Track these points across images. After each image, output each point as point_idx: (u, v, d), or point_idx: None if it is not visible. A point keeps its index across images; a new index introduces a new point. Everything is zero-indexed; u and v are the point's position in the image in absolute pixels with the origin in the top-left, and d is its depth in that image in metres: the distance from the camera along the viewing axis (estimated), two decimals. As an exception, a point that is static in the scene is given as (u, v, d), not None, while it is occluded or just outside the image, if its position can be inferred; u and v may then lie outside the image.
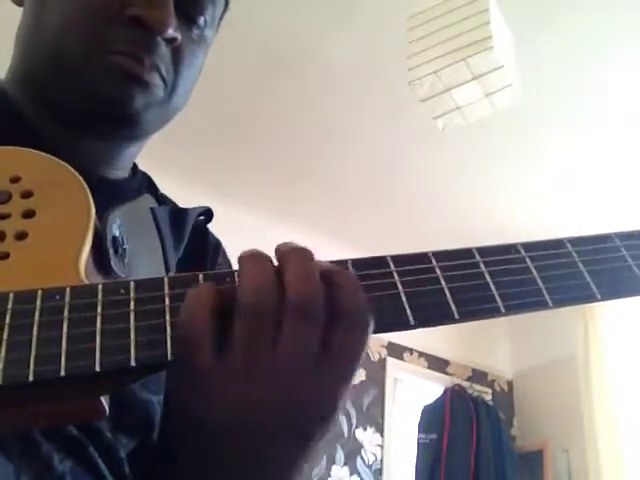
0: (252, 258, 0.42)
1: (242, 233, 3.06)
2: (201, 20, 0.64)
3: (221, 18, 0.71)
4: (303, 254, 0.42)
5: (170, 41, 0.60)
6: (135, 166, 0.71)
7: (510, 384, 4.34)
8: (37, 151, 0.53)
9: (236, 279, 0.42)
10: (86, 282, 0.44)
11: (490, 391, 4.18)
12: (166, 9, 0.59)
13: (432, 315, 0.44)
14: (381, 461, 3.72)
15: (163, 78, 0.60)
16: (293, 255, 0.42)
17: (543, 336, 4.13)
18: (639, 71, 2.69)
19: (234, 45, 2.59)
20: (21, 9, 0.65)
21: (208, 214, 0.74)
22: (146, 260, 0.60)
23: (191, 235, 0.69)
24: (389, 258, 0.46)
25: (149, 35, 0.58)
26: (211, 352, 0.40)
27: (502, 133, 3.06)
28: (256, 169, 3.48)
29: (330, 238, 3.74)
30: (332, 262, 0.45)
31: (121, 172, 0.67)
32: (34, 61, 0.61)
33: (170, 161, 3.04)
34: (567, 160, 3.23)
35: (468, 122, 2.32)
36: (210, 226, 0.76)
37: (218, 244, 0.75)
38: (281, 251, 0.43)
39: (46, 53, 0.59)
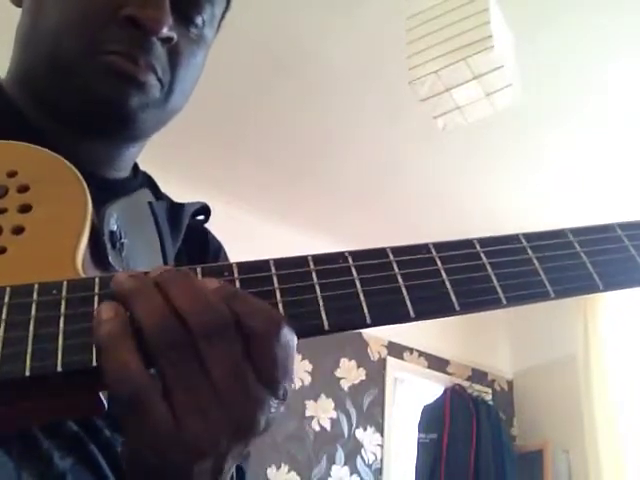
0: (139, 292, 0.39)
1: (242, 233, 3.07)
2: (199, 20, 0.64)
3: (223, 17, 0.70)
4: (180, 275, 0.39)
5: (166, 41, 0.59)
6: (136, 166, 0.71)
7: (510, 384, 4.34)
8: (34, 145, 0.52)
9: (235, 273, 0.42)
10: (83, 276, 0.44)
11: (490, 391, 4.18)
12: (161, 8, 0.58)
13: (432, 307, 0.43)
14: (381, 461, 3.72)
15: (159, 79, 0.60)
16: (173, 279, 0.39)
17: (543, 336, 4.13)
18: (639, 71, 2.68)
19: (234, 45, 2.58)
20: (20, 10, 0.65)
21: (205, 211, 0.74)
22: (144, 254, 0.60)
23: (191, 236, 0.69)
24: (389, 249, 0.46)
25: (144, 35, 0.58)
26: (162, 408, 0.36)
27: (502, 133, 3.06)
28: (256, 169, 3.48)
29: (330, 238, 3.74)
30: (331, 254, 0.44)
31: (122, 173, 0.67)
32: (33, 61, 0.61)
33: (170, 161, 3.04)
34: (567, 160, 3.23)
35: (468, 122, 2.32)
36: (209, 225, 0.75)
37: (219, 247, 0.75)
38: (159, 278, 0.39)
39: (44, 53, 0.60)
